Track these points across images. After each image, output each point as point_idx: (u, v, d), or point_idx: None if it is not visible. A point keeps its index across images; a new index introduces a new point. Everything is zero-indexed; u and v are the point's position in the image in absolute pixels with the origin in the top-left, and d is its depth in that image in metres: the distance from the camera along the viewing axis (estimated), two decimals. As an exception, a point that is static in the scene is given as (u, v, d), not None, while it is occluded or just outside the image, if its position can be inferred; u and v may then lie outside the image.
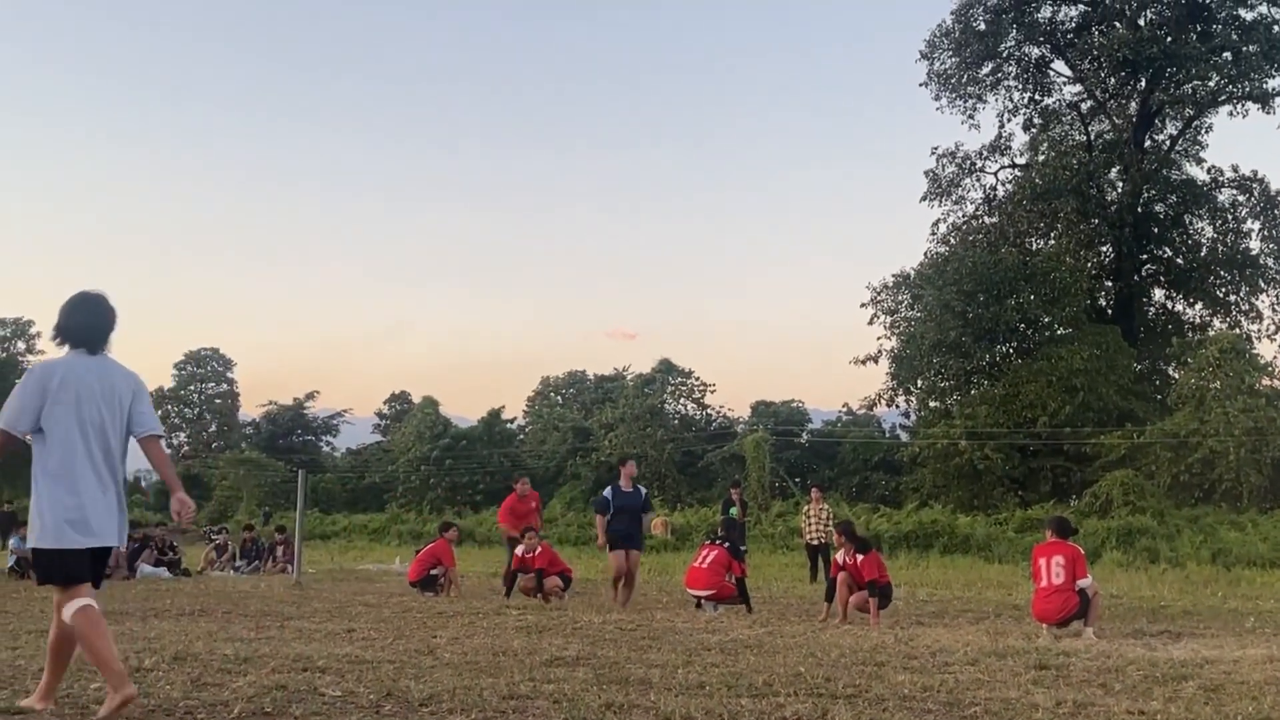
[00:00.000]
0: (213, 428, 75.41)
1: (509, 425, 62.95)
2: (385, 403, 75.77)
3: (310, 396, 70.56)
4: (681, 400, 59.44)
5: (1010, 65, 48.69)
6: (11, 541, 21.62)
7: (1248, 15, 45.64)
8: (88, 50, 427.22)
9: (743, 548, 15.75)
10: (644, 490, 15.17)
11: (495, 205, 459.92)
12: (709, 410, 59.58)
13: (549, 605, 14.39)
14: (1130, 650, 9.44)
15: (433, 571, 16.88)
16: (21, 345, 46.43)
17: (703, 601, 13.76)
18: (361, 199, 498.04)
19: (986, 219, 48.93)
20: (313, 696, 6.39)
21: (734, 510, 22.42)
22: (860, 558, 12.82)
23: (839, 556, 13.29)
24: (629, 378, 61.48)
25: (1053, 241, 47.79)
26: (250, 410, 75.09)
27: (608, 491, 14.72)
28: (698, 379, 59.50)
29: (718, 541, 14.37)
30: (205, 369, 75.74)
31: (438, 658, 8.50)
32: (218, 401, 75.59)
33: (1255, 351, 39.26)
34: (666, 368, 58.80)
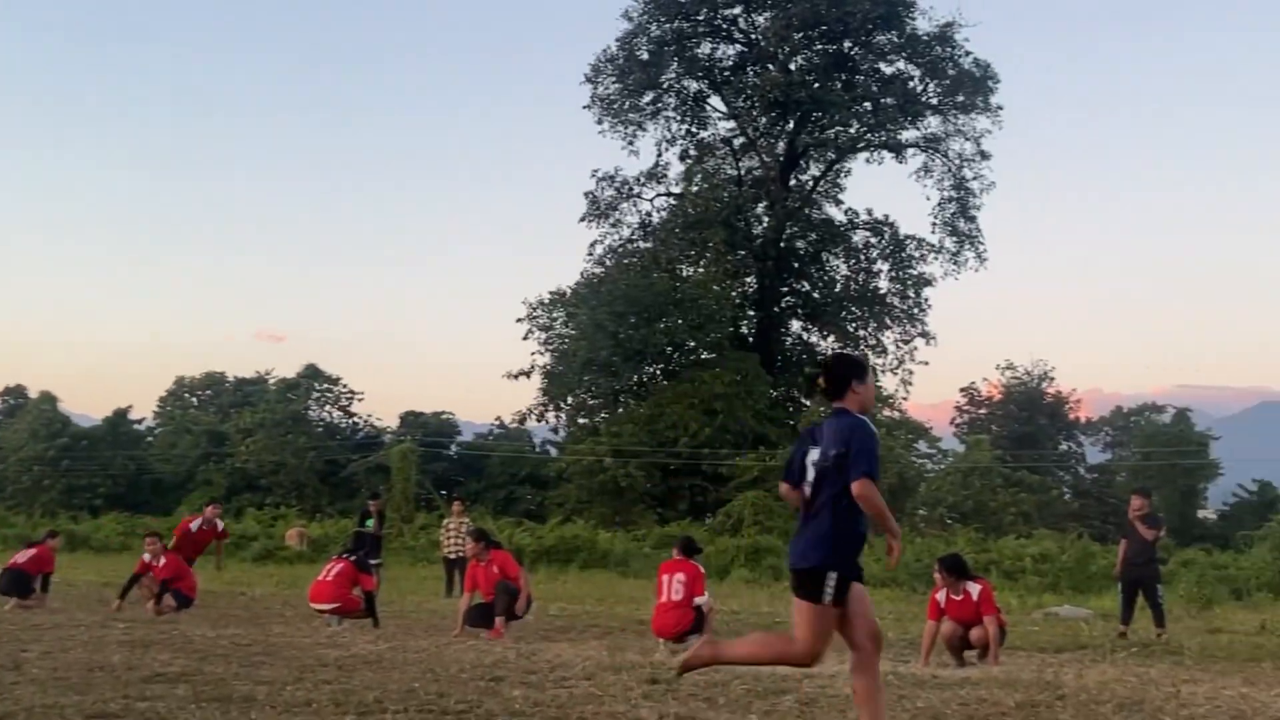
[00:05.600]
0: None
1: (136, 426, 59.59)
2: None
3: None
4: (327, 407, 57.68)
5: (670, 96, 50.33)
6: None
7: (887, 69, 49.39)
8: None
9: (376, 561, 15.36)
10: None
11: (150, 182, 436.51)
12: (355, 419, 58.16)
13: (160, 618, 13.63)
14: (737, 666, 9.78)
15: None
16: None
17: (328, 616, 13.34)
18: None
19: (641, 243, 50.14)
20: None
21: (370, 522, 21.97)
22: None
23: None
24: (271, 381, 59.24)
25: (702, 269, 49.35)
26: None
27: None
28: (345, 386, 57.75)
29: (345, 555, 14.01)
30: None
31: (23, 673, 7.87)
32: None
33: (879, 384, 41.97)
34: (313, 373, 56.89)
